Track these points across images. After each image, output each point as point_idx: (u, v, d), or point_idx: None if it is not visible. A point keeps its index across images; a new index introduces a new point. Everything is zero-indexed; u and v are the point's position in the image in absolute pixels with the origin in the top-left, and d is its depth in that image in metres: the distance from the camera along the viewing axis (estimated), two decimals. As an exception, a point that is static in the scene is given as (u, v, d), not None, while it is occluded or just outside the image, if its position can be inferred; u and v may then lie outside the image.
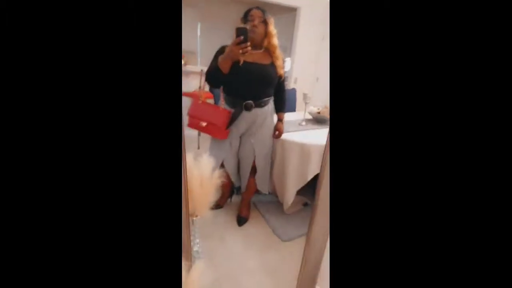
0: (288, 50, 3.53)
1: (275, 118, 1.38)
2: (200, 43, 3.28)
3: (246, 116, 1.23)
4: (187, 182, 0.67)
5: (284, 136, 1.49)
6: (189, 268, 0.62)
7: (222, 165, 1.32)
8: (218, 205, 1.55)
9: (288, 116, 1.97)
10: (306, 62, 3.07)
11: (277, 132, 1.37)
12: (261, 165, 1.37)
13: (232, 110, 1.22)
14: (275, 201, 1.69)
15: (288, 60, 3.82)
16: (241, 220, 1.50)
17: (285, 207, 1.53)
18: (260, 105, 1.24)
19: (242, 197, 1.53)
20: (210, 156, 0.98)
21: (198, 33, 3.20)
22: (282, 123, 1.39)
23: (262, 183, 1.43)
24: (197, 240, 1.03)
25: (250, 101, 1.20)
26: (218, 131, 1.24)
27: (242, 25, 1.07)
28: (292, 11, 2.98)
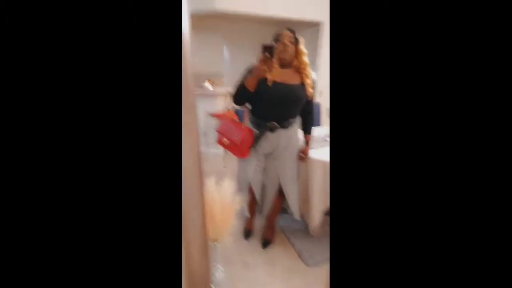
0: (312, 64, 3.52)
1: (300, 136, 1.34)
2: (226, 66, 3.40)
3: (270, 137, 1.21)
4: (204, 205, 0.66)
5: (308, 152, 1.44)
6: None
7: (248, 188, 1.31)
8: (247, 231, 1.51)
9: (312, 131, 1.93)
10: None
11: (303, 157, 1.32)
12: (288, 190, 1.32)
13: (256, 131, 1.21)
14: (301, 223, 1.62)
15: (313, 74, 3.80)
16: (266, 243, 1.44)
17: (311, 229, 1.46)
18: (284, 126, 1.21)
19: (267, 219, 1.48)
20: (233, 179, 0.97)
21: (224, 56, 3.32)
22: (309, 146, 1.33)
23: (293, 208, 1.37)
24: (219, 265, 1.01)
25: (275, 123, 1.19)
26: (239, 149, 1.23)
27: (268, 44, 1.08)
28: (315, 25, 2.98)
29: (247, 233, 1.50)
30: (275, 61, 1.03)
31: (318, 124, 2.27)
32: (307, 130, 1.33)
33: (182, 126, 0.53)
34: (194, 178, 0.59)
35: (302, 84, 1.19)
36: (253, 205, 1.43)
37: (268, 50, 1.01)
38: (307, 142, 1.33)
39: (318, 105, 2.39)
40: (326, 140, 1.65)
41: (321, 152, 1.44)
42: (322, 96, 3.03)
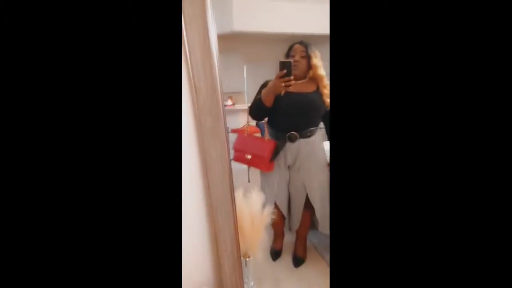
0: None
1: (327, 147, 1.29)
2: (247, 83, 3.50)
3: (291, 148, 1.19)
4: (237, 220, 0.65)
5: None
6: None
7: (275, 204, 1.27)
8: (276, 251, 1.43)
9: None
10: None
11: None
12: (316, 201, 1.25)
13: (277, 142, 1.20)
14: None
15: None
16: (298, 261, 1.36)
17: (346, 245, 1.36)
18: (305, 135, 1.19)
19: (297, 235, 1.41)
20: (261, 191, 0.95)
21: (245, 75, 3.43)
22: None
23: (322, 222, 1.29)
24: (252, 283, 0.96)
25: (294, 132, 1.17)
26: (263, 163, 1.21)
27: (285, 59, 1.10)
28: (334, 39, 3.01)
29: (276, 254, 1.42)
30: (292, 78, 1.03)
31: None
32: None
33: (210, 136, 0.53)
34: (225, 190, 0.58)
35: (318, 92, 1.17)
36: (280, 223, 1.38)
37: (285, 66, 1.02)
38: None
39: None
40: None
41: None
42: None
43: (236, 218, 0.65)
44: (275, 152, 1.20)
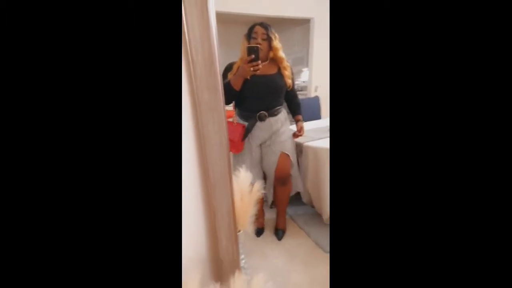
0: (305, 60, 3.56)
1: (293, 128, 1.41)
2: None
3: (261, 127, 1.26)
4: (233, 196, 0.67)
5: (315, 143, 1.46)
6: (246, 283, 0.60)
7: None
8: (259, 229, 1.52)
9: (315, 124, 1.95)
10: (325, 70, 3.06)
11: (300, 131, 1.37)
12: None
13: (246, 124, 1.26)
14: (311, 212, 1.64)
15: (305, 70, 3.84)
16: (279, 233, 1.46)
17: (325, 216, 1.47)
18: (273, 114, 1.27)
19: (277, 209, 1.50)
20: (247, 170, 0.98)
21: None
22: (302, 123, 1.40)
23: (295, 183, 1.43)
24: (242, 256, 1.01)
25: (264, 112, 1.24)
26: (233, 146, 1.28)
27: (250, 44, 1.13)
28: (305, 22, 3.03)
29: (259, 231, 1.51)
30: (260, 63, 1.07)
31: (319, 117, 2.30)
32: (296, 112, 1.41)
33: (207, 110, 0.53)
34: (224, 164, 0.59)
35: (280, 73, 1.26)
36: (259, 201, 1.44)
37: (253, 51, 1.05)
38: (299, 120, 1.40)
39: (317, 99, 2.42)
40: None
41: (329, 141, 1.46)
42: (317, 90, 3.07)
43: (233, 191, 0.67)
44: (246, 132, 1.26)
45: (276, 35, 1.22)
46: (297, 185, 1.46)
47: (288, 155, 1.33)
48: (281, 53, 1.24)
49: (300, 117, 1.41)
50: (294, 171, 1.40)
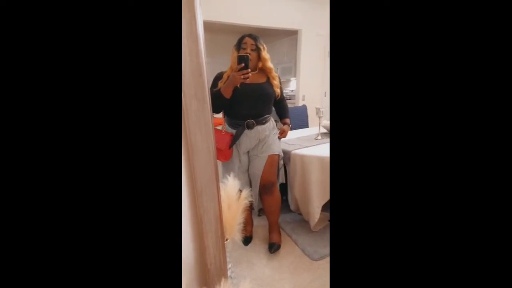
0: (293, 70, 3.65)
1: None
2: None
3: (248, 134, 1.28)
4: (221, 204, 0.67)
5: (303, 151, 1.49)
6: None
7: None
8: (247, 237, 1.49)
9: (302, 132, 1.99)
10: (312, 79, 3.14)
11: (282, 133, 1.40)
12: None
13: (234, 132, 1.28)
14: (299, 220, 1.65)
15: (293, 80, 3.93)
16: (273, 247, 1.39)
17: (312, 224, 1.49)
18: (261, 122, 1.29)
19: (269, 222, 1.47)
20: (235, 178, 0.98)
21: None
22: (288, 126, 1.43)
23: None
24: (230, 265, 1.00)
25: (251, 120, 1.26)
26: (221, 154, 1.30)
27: (239, 53, 1.17)
28: (293, 33, 3.12)
29: (246, 239, 1.48)
30: (250, 71, 1.11)
31: (307, 126, 2.34)
32: (283, 115, 1.45)
33: (195, 119, 0.54)
34: (211, 172, 0.60)
35: (269, 82, 1.30)
36: (247, 210, 1.44)
37: (243, 60, 1.08)
38: (285, 123, 1.43)
39: (305, 108, 2.47)
40: (317, 139, 1.71)
41: (316, 149, 1.49)
42: (305, 99, 3.14)
43: (220, 199, 0.67)
44: (234, 140, 1.28)
45: (265, 46, 1.26)
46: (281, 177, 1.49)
47: (275, 154, 1.35)
48: (270, 64, 1.28)
49: (287, 120, 1.44)
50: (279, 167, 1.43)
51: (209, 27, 2.72)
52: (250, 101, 1.24)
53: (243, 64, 1.08)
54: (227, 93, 1.17)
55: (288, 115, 1.46)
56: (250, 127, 1.27)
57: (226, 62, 1.28)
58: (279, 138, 1.40)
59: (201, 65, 0.52)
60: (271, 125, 1.34)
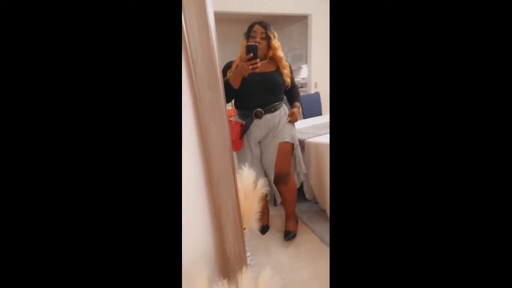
0: (304, 57, 3.55)
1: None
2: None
3: (258, 124, 1.26)
4: (237, 190, 0.68)
5: (317, 139, 1.46)
6: (253, 279, 0.61)
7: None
8: (264, 227, 1.50)
9: (316, 120, 1.95)
10: (324, 66, 3.05)
11: (292, 115, 1.32)
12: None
13: (244, 122, 1.26)
14: (315, 209, 1.64)
15: (304, 67, 3.83)
16: (288, 234, 1.42)
17: (328, 212, 1.48)
18: (270, 110, 1.26)
19: (286, 211, 1.49)
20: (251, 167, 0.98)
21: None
22: (298, 108, 1.36)
23: (298, 165, 1.41)
24: (248, 254, 1.02)
25: (259, 109, 1.24)
26: (232, 144, 1.28)
27: (249, 42, 1.13)
28: (303, 19, 3.02)
29: (263, 229, 1.50)
30: (258, 61, 1.08)
31: (320, 113, 2.30)
32: (294, 99, 1.38)
33: (209, 110, 0.54)
34: (227, 162, 0.60)
35: (279, 71, 1.25)
36: (262, 199, 1.45)
37: (252, 50, 1.05)
38: (295, 106, 1.36)
39: (318, 95, 2.42)
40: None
41: (328, 137, 1.46)
42: (317, 87, 3.07)
43: (237, 189, 0.67)
44: (244, 130, 1.26)
45: (275, 34, 1.22)
46: (299, 178, 1.45)
47: (287, 142, 1.30)
48: (280, 52, 1.24)
49: (297, 103, 1.37)
50: (297, 160, 1.39)
51: (218, 17, 2.69)
52: (258, 90, 1.22)
53: (251, 54, 1.05)
54: (235, 83, 1.15)
55: (299, 99, 1.40)
56: (258, 116, 1.24)
57: (236, 52, 1.25)
58: (290, 122, 1.33)
59: (212, 53, 0.51)
60: (281, 112, 1.30)
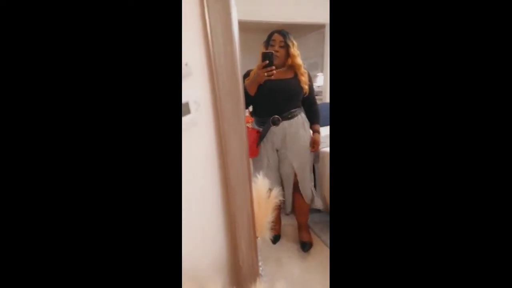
0: (320, 65, 3.55)
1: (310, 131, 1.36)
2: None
3: (275, 131, 1.25)
4: (252, 199, 0.67)
5: (328, 150, 1.44)
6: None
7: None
8: (275, 236, 1.48)
9: (327, 130, 1.92)
10: (340, 75, 3.02)
11: (314, 145, 1.32)
12: (300, 175, 1.32)
13: (261, 129, 1.26)
14: (327, 220, 1.61)
15: (320, 75, 3.82)
16: (306, 246, 1.38)
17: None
18: (287, 117, 1.25)
19: (299, 222, 1.46)
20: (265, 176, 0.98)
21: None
22: (319, 134, 1.34)
23: (304, 191, 1.36)
24: (260, 263, 1.00)
25: (276, 116, 1.23)
26: (250, 150, 1.27)
27: (266, 50, 1.14)
28: (320, 28, 3.02)
29: (275, 238, 1.47)
30: (274, 68, 1.08)
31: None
32: (313, 121, 1.35)
33: (229, 119, 0.54)
34: (244, 169, 0.60)
35: (296, 79, 1.24)
36: (277, 209, 1.43)
37: (267, 57, 1.06)
38: (315, 131, 1.34)
39: (329, 105, 2.40)
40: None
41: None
42: (333, 96, 3.04)
43: (252, 197, 0.67)
44: (261, 137, 1.26)
45: (294, 42, 1.22)
46: (307, 194, 1.41)
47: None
48: (299, 60, 1.24)
49: (317, 127, 1.34)
50: (305, 180, 1.36)
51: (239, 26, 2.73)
52: (274, 97, 1.22)
53: (267, 61, 1.06)
54: (252, 90, 1.16)
55: (318, 120, 1.36)
56: (275, 123, 1.24)
57: (256, 60, 1.27)
58: (312, 152, 1.32)
59: (235, 65, 0.51)
60: (300, 120, 1.28)
